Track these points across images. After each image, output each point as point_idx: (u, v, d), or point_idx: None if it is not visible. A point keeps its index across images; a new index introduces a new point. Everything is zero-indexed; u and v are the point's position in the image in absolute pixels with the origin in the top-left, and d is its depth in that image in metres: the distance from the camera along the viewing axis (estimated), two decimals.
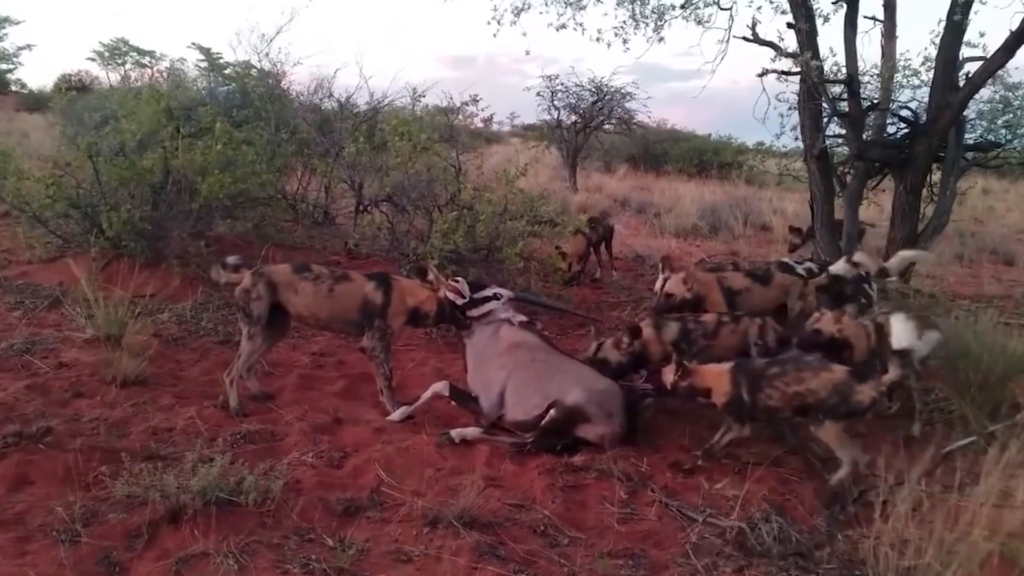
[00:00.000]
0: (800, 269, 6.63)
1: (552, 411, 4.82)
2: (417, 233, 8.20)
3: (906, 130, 8.91)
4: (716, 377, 4.64)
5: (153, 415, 4.78)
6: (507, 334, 5.25)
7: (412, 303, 5.29)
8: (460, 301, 5.25)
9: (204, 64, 12.04)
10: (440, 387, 5.18)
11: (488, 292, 5.35)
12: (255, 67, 11.26)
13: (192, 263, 7.56)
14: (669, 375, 4.71)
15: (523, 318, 5.30)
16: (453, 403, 5.29)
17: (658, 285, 6.20)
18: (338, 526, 3.72)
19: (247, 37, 11.44)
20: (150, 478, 3.72)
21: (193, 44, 11.37)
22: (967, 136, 8.99)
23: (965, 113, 8.51)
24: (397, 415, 5.08)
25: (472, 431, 4.89)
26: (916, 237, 8.48)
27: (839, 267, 6.45)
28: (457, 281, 5.34)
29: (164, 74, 14.27)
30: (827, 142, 8.84)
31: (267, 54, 11.20)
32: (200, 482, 3.63)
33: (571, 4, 9.32)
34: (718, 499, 4.26)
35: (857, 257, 6.71)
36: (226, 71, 11.59)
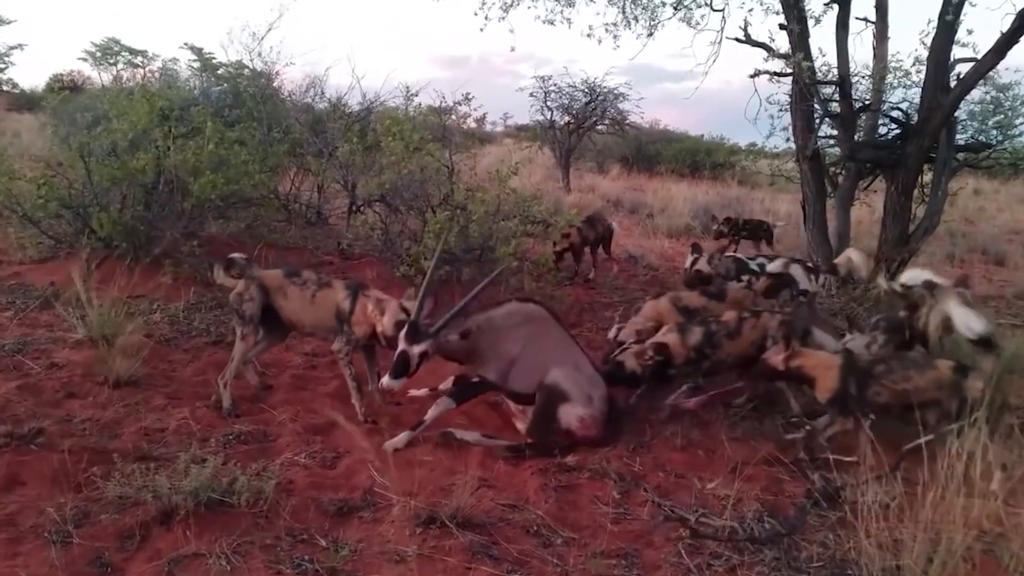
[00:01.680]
0: (753, 265, 7.25)
1: (537, 393, 4.94)
2: (410, 233, 8.21)
3: (897, 131, 8.92)
4: (825, 369, 4.77)
5: (145, 416, 4.77)
6: (517, 308, 5.26)
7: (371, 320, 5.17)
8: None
9: (196, 64, 12.01)
10: (445, 403, 5.02)
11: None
12: (247, 67, 11.25)
13: (185, 263, 7.55)
14: (777, 357, 4.87)
15: (455, 336, 5.11)
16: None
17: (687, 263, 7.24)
18: (331, 526, 3.71)
19: (239, 36, 11.44)
20: (142, 479, 3.73)
21: (185, 44, 11.33)
22: (958, 137, 9.01)
23: (956, 114, 8.52)
24: (400, 441, 4.80)
25: (473, 435, 4.90)
26: (907, 237, 8.50)
27: (776, 266, 6.93)
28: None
29: (156, 74, 14.19)
30: (819, 143, 8.86)
31: (259, 54, 11.21)
32: (192, 483, 3.63)
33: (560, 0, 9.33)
34: (710, 499, 4.27)
35: (851, 254, 6.85)
36: (218, 71, 11.56)
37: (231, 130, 8.90)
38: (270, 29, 11.13)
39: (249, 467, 3.97)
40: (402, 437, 4.81)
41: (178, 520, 3.52)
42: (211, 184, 7.55)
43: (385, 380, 4.74)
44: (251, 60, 11.25)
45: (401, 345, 4.71)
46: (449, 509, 3.78)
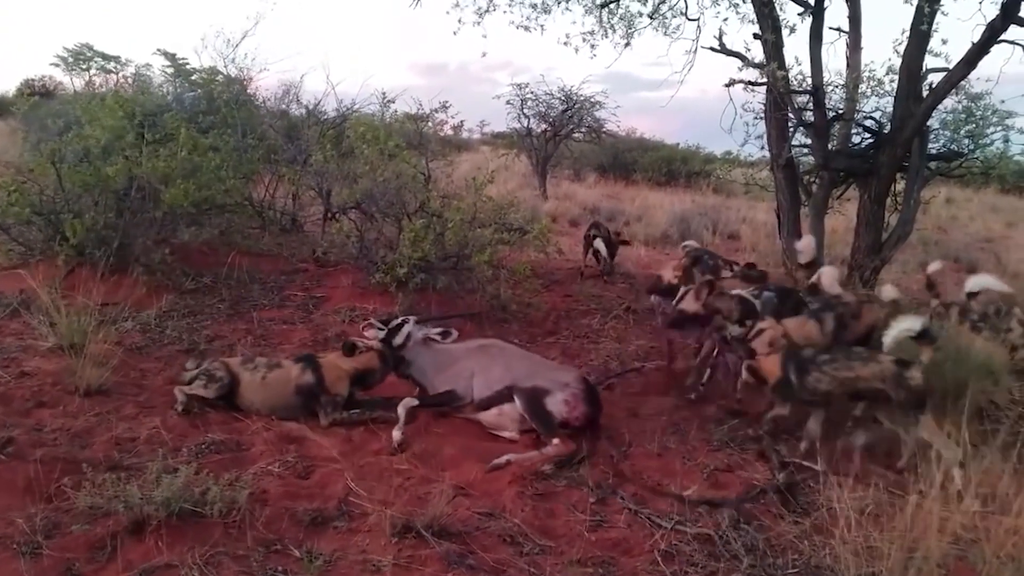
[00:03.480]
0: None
1: (517, 401, 5.14)
2: (386, 241, 8.17)
3: (870, 140, 9.00)
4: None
5: (116, 425, 4.70)
6: (465, 345, 5.70)
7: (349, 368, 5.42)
8: (379, 335, 5.54)
9: (170, 70, 11.88)
10: (409, 401, 5.28)
11: (397, 319, 5.66)
12: (221, 73, 11.16)
13: (157, 271, 7.48)
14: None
15: (438, 331, 5.65)
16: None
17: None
18: (305, 537, 3.68)
19: (213, 42, 11.31)
20: (113, 489, 3.68)
21: (159, 50, 11.23)
22: (930, 146, 9.09)
23: (928, 123, 8.60)
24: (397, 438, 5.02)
25: (509, 456, 4.84)
26: (880, 245, 8.58)
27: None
28: (369, 322, 5.71)
29: (129, 80, 14.04)
30: (793, 152, 8.92)
31: (233, 59, 11.12)
32: (164, 493, 3.58)
33: (535, 6, 9.33)
34: (687, 506, 4.27)
35: (825, 272, 6.77)
36: (192, 77, 11.46)
37: (205, 136, 8.83)
38: (244, 36, 11.06)
39: (222, 477, 3.92)
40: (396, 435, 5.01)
41: (150, 530, 3.47)
42: (183, 191, 7.48)
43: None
44: (225, 66, 11.18)
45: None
46: (425, 518, 3.75)
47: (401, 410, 5.13)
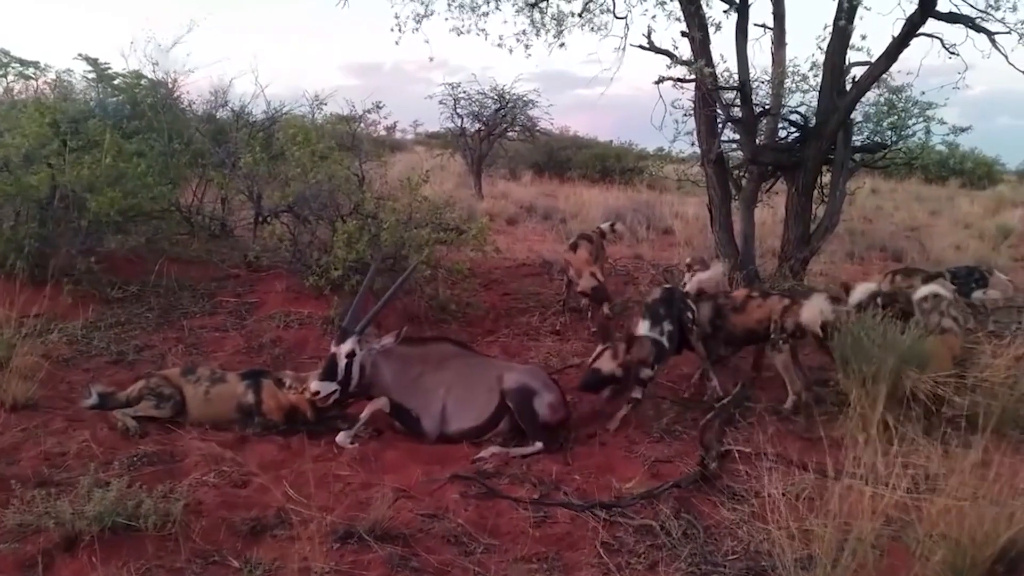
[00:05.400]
0: None
1: (509, 402, 5.14)
2: (320, 244, 8.07)
3: (797, 134, 9.17)
4: None
5: (45, 439, 4.58)
6: (424, 351, 5.45)
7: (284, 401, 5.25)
8: (336, 394, 5.07)
9: (92, 75, 11.50)
10: (381, 403, 5.18)
11: (341, 361, 5.06)
12: (146, 77, 10.87)
13: (83, 281, 7.27)
14: None
15: (388, 338, 5.28)
16: (396, 422, 5.29)
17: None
18: (243, 547, 3.61)
19: (143, 47, 11.00)
20: (43, 505, 3.58)
21: (80, 55, 10.85)
22: (855, 138, 9.30)
23: (852, 116, 8.81)
24: (343, 438, 5.01)
25: (489, 450, 4.95)
26: (809, 237, 8.76)
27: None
28: (316, 392, 5.01)
29: (50, 86, 13.59)
30: (722, 147, 9.04)
31: (157, 63, 10.82)
32: (96, 507, 3.49)
33: (473, 9, 9.31)
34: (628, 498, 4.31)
35: (712, 266, 6.96)
36: (115, 81, 11.12)
37: (130, 142, 8.61)
38: (176, 43, 10.77)
39: (156, 489, 3.82)
40: (344, 434, 5.02)
41: (82, 546, 3.38)
42: (108, 199, 7.28)
43: (313, 384, 4.95)
44: (153, 71, 10.88)
45: (331, 348, 5.08)
46: (367, 523, 3.73)
47: (367, 411, 5.14)
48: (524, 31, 9.45)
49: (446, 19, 9.41)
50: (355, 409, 5.32)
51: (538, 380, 5.33)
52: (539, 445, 4.99)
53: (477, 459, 4.80)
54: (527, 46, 9.54)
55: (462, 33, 9.47)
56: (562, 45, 9.49)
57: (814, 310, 5.68)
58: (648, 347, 5.53)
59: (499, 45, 9.57)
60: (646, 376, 5.52)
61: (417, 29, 9.31)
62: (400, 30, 9.27)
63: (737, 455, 4.73)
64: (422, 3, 9.15)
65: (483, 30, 9.50)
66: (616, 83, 15.23)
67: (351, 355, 5.05)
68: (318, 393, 4.97)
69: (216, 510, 3.89)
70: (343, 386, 5.06)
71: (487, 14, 9.37)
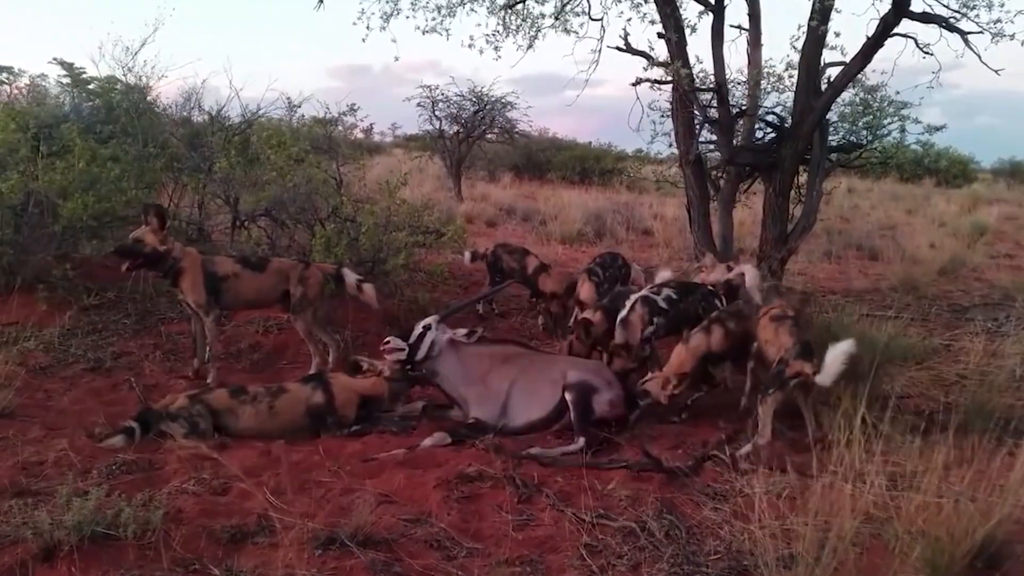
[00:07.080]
0: None
1: (567, 395, 5.24)
2: (298, 248, 8.04)
3: (773, 134, 9.22)
4: None
5: (22, 449, 4.52)
6: (491, 351, 5.63)
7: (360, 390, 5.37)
8: (402, 356, 5.36)
9: (66, 80, 11.40)
10: (440, 437, 5.14)
11: (418, 329, 5.45)
12: (120, 81, 10.77)
13: (59, 287, 7.20)
14: None
15: (464, 331, 5.57)
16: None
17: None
18: (224, 554, 3.58)
19: (111, 51, 10.87)
20: (21, 515, 3.55)
21: (55, 59, 10.73)
22: (831, 138, 9.34)
23: (828, 116, 8.86)
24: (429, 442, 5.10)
25: (535, 450, 4.97)
26: (786, 236, 8.81)
27: None
28: (388, 342, 5.42)
29: (23, 91, 13.44)
30: (700, 148, 9.07)
31: (131, 68, 10.72)
32: (75, 517, 3.45)
33: (439, 8, 9.24)
34: (610, 500, 4.32)
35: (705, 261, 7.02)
36: (90, 86, 11.02)
37: (104, 147, 8.52)
38: (144, 44, 10.66)
39: (135, 497, 3.78)
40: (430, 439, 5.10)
41: (61, 556, 3.34)
42: (83, 204, 7.21)
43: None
44: (124, 75, 10.77)
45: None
46: (349, 528, 3.70)
47: (429, 442, 5.08)
48: (495, 32, 9.41)
49: (408, 17, 9.27)
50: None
51: (601, 377, 5.46)
52: (581, 442, 5.02)
53: (523, 455, 4.84)
54: (497, 48, 9.49)
55: (426, 32, 9.38)
56: (531, 47, 9.43)
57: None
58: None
59: (469, 46, 9.51)
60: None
61: (384, 27, 9.20)
62: (368, 27, 9.15)
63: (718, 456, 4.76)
64: (388, 1, 9.03)
65: (447, 30, 9.42)
66: (605, 85, 15.20)
67: (427, 327, 5.40)
68: (388, 342, 5.35)
69: (196, 518, 3.86)
70: (411, 351, 5.35)
71: (454, 14, 9.28)
